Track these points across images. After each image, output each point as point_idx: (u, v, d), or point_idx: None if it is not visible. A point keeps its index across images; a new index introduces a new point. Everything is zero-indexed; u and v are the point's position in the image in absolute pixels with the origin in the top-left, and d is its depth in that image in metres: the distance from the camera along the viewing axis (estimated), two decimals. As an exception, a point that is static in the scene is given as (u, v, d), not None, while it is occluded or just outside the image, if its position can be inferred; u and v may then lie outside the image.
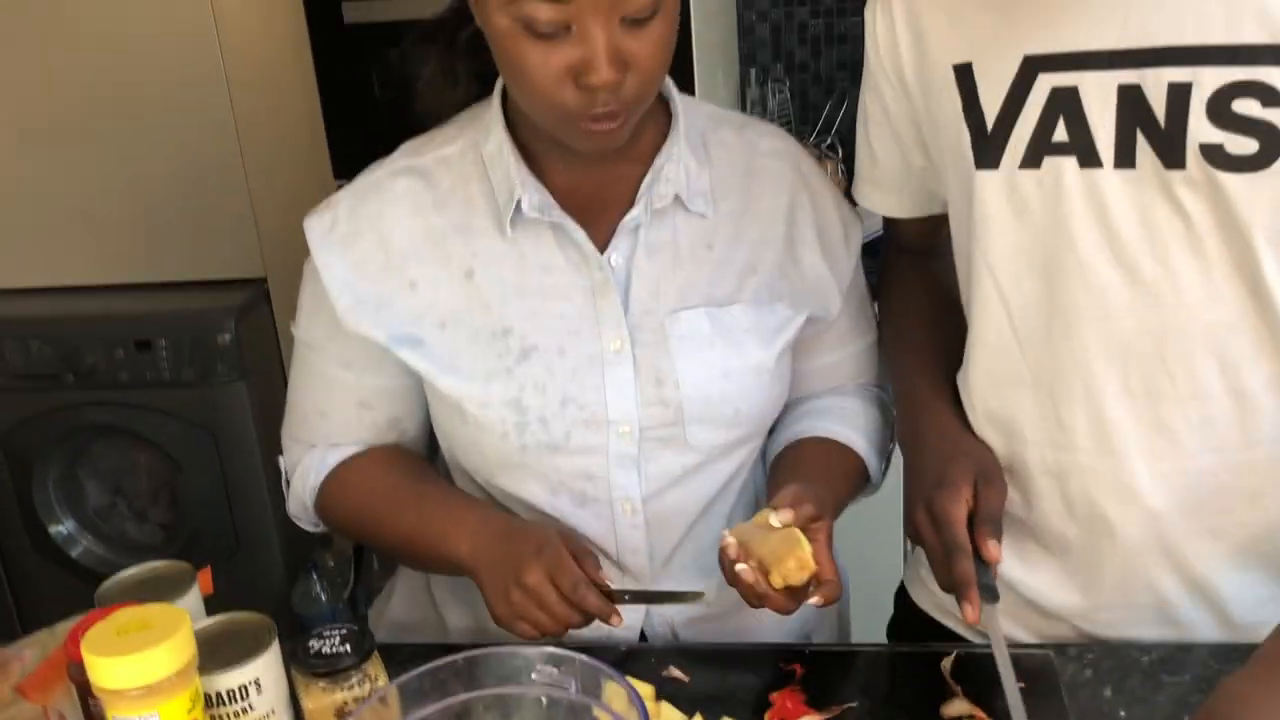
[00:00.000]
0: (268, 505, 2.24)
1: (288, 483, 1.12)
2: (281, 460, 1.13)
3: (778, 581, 0.89)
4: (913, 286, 1.13)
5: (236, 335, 2.16)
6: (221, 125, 2.21)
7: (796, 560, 0.88)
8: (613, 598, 0.94)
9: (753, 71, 2.26)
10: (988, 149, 0.92)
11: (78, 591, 2.33)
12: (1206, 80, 0.82)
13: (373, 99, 1.89)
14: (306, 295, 1.06)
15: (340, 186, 1.93)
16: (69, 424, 2.25)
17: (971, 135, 0.93)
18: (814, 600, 0.91)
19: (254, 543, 2.26)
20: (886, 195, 1.10)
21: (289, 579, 2.26)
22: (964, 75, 0.93)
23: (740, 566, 0.90)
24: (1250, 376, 0.89)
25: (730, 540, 0.92)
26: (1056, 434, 0.95)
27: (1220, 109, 0.82)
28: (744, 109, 2.25)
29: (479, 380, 0.99)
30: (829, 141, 2.20)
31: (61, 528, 2.34)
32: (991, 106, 0.91)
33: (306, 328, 1.06)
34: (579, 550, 0.95)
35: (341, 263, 1.01)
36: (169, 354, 2.16)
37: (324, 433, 1.09)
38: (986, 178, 0.93)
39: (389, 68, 1.87)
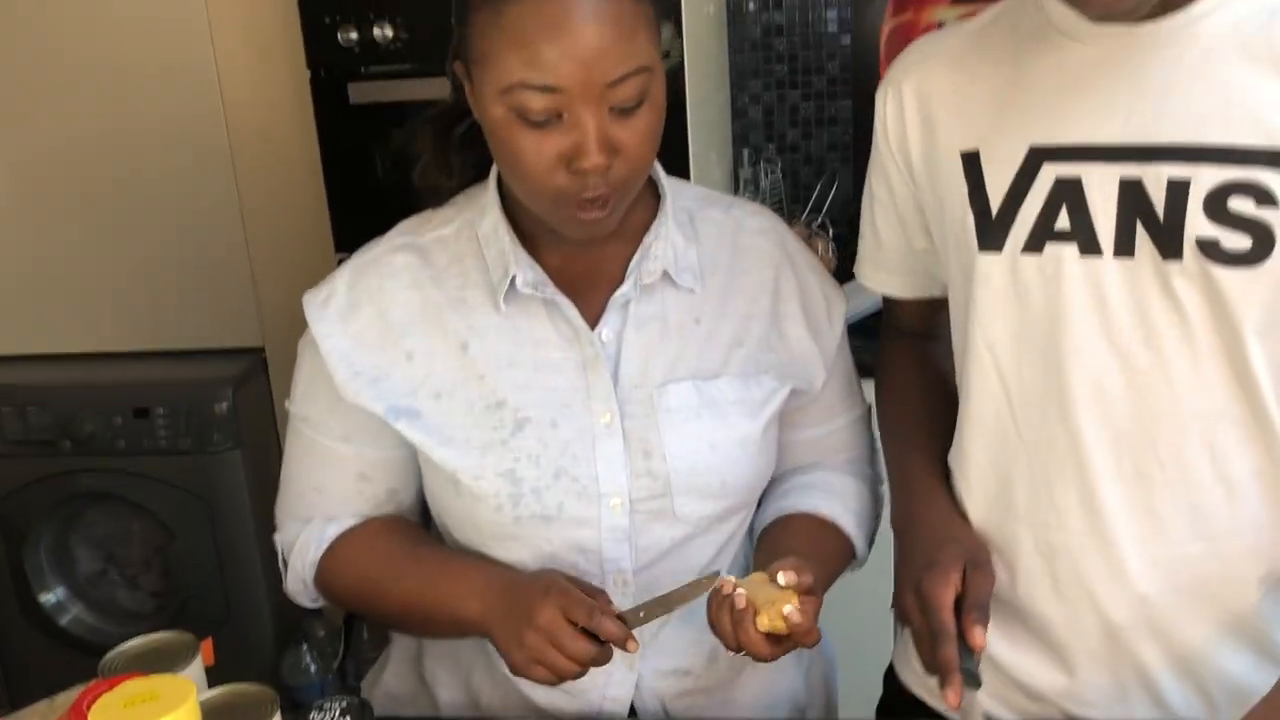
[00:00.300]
0: (260, 574, 2.24)
1: (284, 561, 1.13)
2: (277, 538, 1.14)
3: (764, 624, 0.91)
4: (909, 370, 1.15)
5: (233, 404, 2.18)
6: (225, 197, 2.25)
7: (789, 605, 0.91)
8: (626, 620, 0.95)
9: (745, 152, 2.31)
10: (991, 233, 0.95)
11: (66, 660, 2.34)
12: (1204, 178, 0.85)
13: (374, 176, 1.93)
14: (303, 371, 1.08)
15: (341, 261, 1.99)
16: (64, 490, 2.25)
17: (976, 219, 0.96)
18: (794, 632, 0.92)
19: (245, 612, 2.25)
20: (889, 275, 1.13)
21: (278, 649, 2.25)
22: (971, 162, 0.96)
23: (740, 591, 0.92)
24: (1237, 466, 0.91)
25: (729, 578, 0.94)
26: (1049, 514, 0.96)
27: (1217, 206, 0.85)
28: (737, 188, 2.30)
29: (474, 452, 1.01)
30: (819, 221, 2.25)
31: (51, 595, 2.33)
32: (997, 192, 0.94)
33: (303, 403, 1.08)
34: (588, 588, 0.97)
35: (340, 335, 1.03)
36: (166, 422, 2.18)
37: (322, 507, 1.10)
38: (989, 260, 0.95)
39: (391, 145, 1.92)
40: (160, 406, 2.18)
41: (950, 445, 1.07)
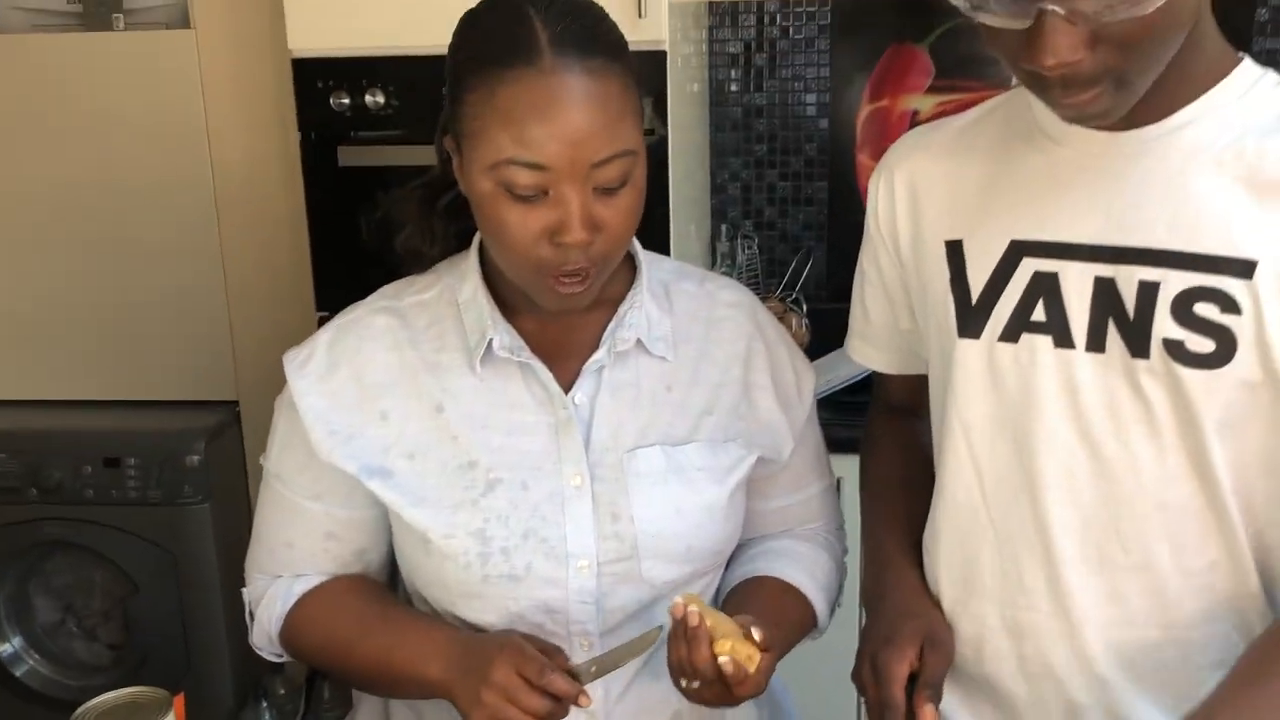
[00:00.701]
0: (222, 629, 2.22)
1: (251, 614, 1.14)
2: (245, 592, 1.15)
3: (722, 648, 0.93)
4: (892, 445, 1.18)
5: (205, 457, 2.17)
6: (208, 250, 2.27)
7: (748, 645, 0.93)
8: (579, 676, 0.97)
9: (724, 227, 2.36)
10: (970, 320, 0.99)
11: (22, 713, 2.29)
12: (1173, 282, 0.89)
13: (359, 238, 1.96)
14: (279, 428, 1.09)
15: (321, 320, 2.01)
16: (28, 539, 2.23)
17: (956, 306, 0.99)
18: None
19: (205, 667, 2.23)
20: (876, 351, 1.17)
21: (238, 706, 2.23)
22: (954, 250, 1.00)
23: (691, 609, 0.94)
24: (1197, 557, 0.93)
25: (692, 604, 0.95)
26: (1016, 594, 0.99)
27: (1183, 309, 0.89)
28: (714, 261, 2.35)
29: (445, 510, 1.02)
30: (793, 297, 2.30)
31: (8, 645, 2.30)
32: (978, 281, 0.98)
33: (277, 460, 1.10)
34: (545, 646, 0.99)
35: (318, 394, 1.05)
36: (136, 472, 2.17)
37: (290, 564, 1.11)
38: (967, 346, 0.99)
39: (377, 209, 1.96)
40: (131, 456, 2.17)
41: (924, 523, 1.09)
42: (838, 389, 1.87)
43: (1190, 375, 0.89)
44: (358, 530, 1.09)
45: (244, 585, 1.15)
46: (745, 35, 2.29)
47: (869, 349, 1.17)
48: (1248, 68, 0.91)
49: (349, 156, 1.92)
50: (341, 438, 1.04)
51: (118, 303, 2.30)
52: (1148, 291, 0.90)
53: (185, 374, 2.33)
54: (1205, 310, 0.88)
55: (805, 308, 2.26)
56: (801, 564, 1.14)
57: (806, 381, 1.15)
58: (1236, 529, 0.92)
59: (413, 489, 1.03)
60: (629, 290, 1.08)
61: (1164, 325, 0.89)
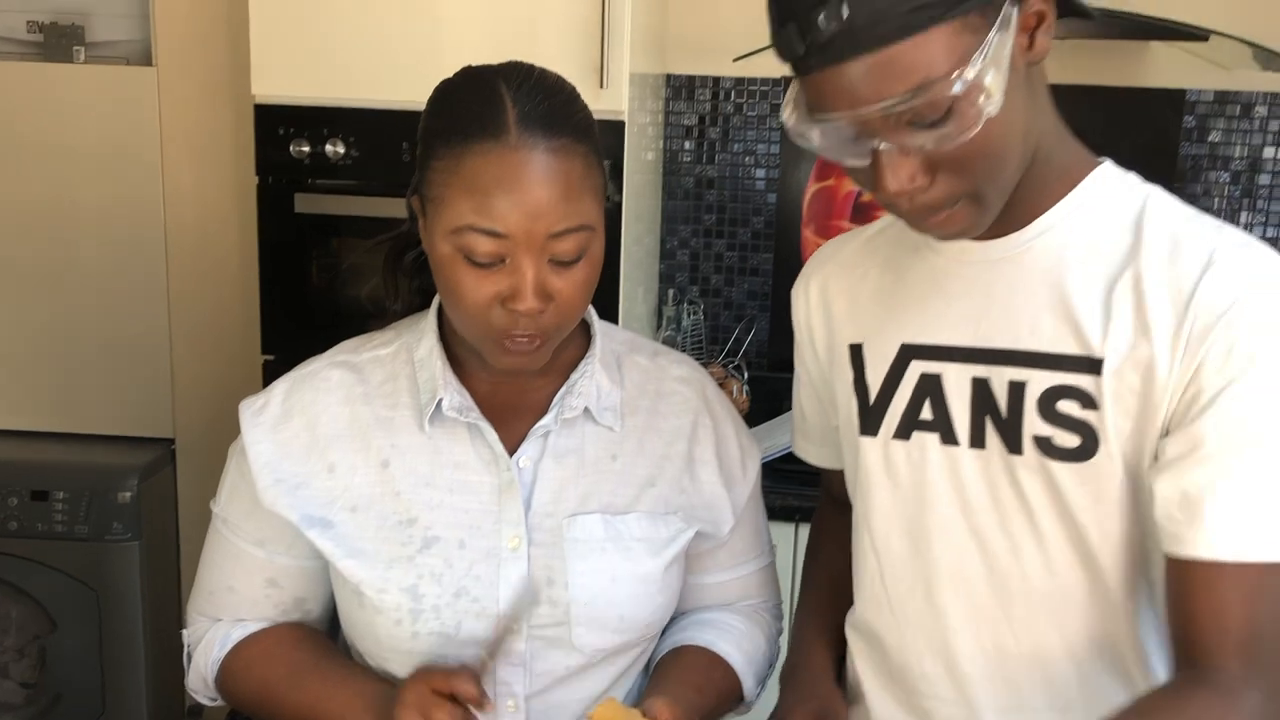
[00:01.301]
0: (142, 672, 2.18)
1: (189, 656, 1.14)
2: (185, 634, 1.16)
3: None
4: (829, 535, 1.22)
5: (138, 494, 2.15)
6: (154, 286, 2.26)
7: None
8: (479, 676, 0.98)
9: (671, 291, 2.41)
10: (869, 419, 1.04)
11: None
12: (1038, 381, 0.94)
13: (309, 283, 1.97)
14: (230, 474, 1.11)
15: (267, 363, 2.01)
16: (-55, 569, 2.18)
17: (858, 405, 1.05)
18: None
19: (121, 709, 2.18)
20: (813, 447, 1.21)
21: (153, 752, 2.18)
22: (856, 353, 1.06)
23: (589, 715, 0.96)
24: (1084, 641, 0.98)
25: (608, 700, 0.98)
26: (920, 681, 1.03)
27: (1048, 407, 0.94)
28: (660, 324, 2.39)
29: (380, 565, 1.03)
30: (735, 363, 2.35)
31: (-84, 679, 2.23)
32: (875, 382, 1.04)
33: (225, 504, 1.11)
34: (456, 668, 1.00)
35: (269, 443, 1.06)
36: (65, 506, 2.14)
37: (231, 608, 1.12)
38: (867, 443, 1.04)
39: (329, 256, 1.98)
40: (60, 490, 2.14)
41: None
42: (775, 456, 1.92)
43: (1060, 469, 0.94)
44: (298, 579, 1.11)
45: (176, 627, 1.17)
46: (700, 109, 2.37)
47: (808, 445, 1.22)
48: (1105, 171, 0.97)
49: (305, 203, 1.94)
50: (287, 487, 1.05)
51: (58, 334, 2.28)
52: (1017, 391, 0.95)
53: (122, 408, 2.31)
54: (1067, 407, 0.93)
55: (746, 375, 2.31)
56: (731, 636, 1.16)
57: (751, 460, 1.17)
58: (1119, 612, 0.96)
59: (350, 541, 1.04)
60: (582, 358, 1.10)
61: (1033, 423, 0.94)
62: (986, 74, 0.82)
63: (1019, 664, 0.99)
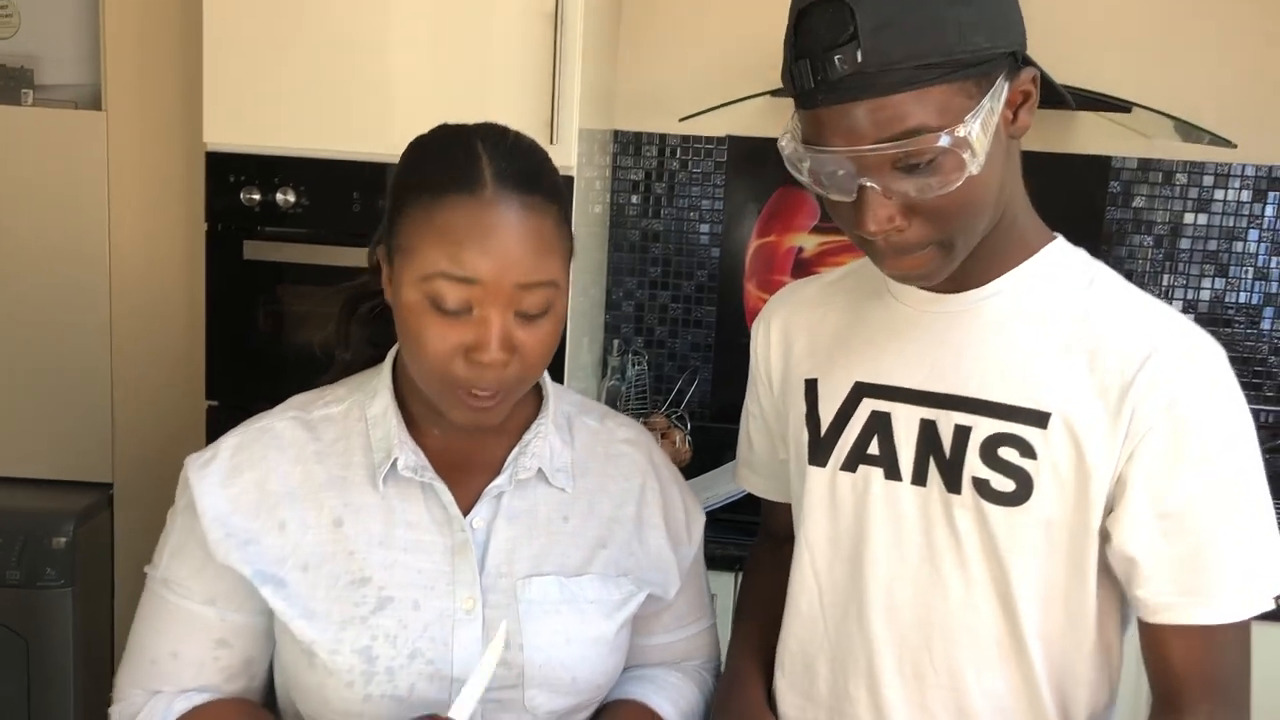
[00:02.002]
0: (71, 721, 2.14)
1: None
2: (114, 710, 1.10)
3: None
4: (767, 572, 1.25)
5: (73, 540, 2.12)
6: (97, 329, 2.24)
7: None
8: None
9: (616, 342, 2.45)
10: (819, 450, 1.10)
11: None
12: (982, 427, 1.00)
13: (256, 330, 1.98)
14: (174, 534, 1.08)
15: (211, 409, 2.01)
16: None
17: (809, 436, 1.10)
18: None
19: (49, 762, 2.14)
20: (760, 479, 1.26)
21: (80, 805, 2.13)
22: (810, 388, 1.12)
23: None
24: (997, 680, 1.03)
25: None
26: (844, 704, 1.08)
27: (989, 452, 1.00)
28: (605, 374, 2.42)
29: (333, 626, 1.02)
30: (678, 414, 2.38)
31: None
32: (827, 416, 1.09)
33: (168, 566, 1.07)
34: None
35: (219, 496, 1.04)
36: (-4, 551, 2.10)
37: (174, 676, 1.07)
38: (815, 473, 1.10)
39: (276, 304, 1.98)
40: (-7, 534, 2.10)
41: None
42: (717, 506, 1.95)
43: (994, 511, 1.00)
44: (249, 638, 1.08)
45: (109, 677, 1.11)
46: (647, 164, 2.42)
47: (754, 477, 1.27)
48: (1059, 245, 1.06)
49: (254, 251, 1.94)
50: (238, 541, 1.03)
51: (-4, 375, 2.25)
52: (961, 434, 1.01)
53: (60, 452, 2.28)
54: (1007, 454, 0.99)
55: (689, 425, 2.35)
56: (667, 692, 1.17)
57: (696, 522, 1.19)
58: (1033, 658, 1.02)
59: (303, 601, 1.03)
60: (534, 418, 1.11)
61: (974, 465, 1.00)
62: (974, 135, 0.90)
63: (936, 694, 1.04)
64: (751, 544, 1.33)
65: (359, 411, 1.09)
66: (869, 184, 0.93)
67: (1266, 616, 0.98)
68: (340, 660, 1.01)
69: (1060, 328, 1.01)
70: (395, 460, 1.05)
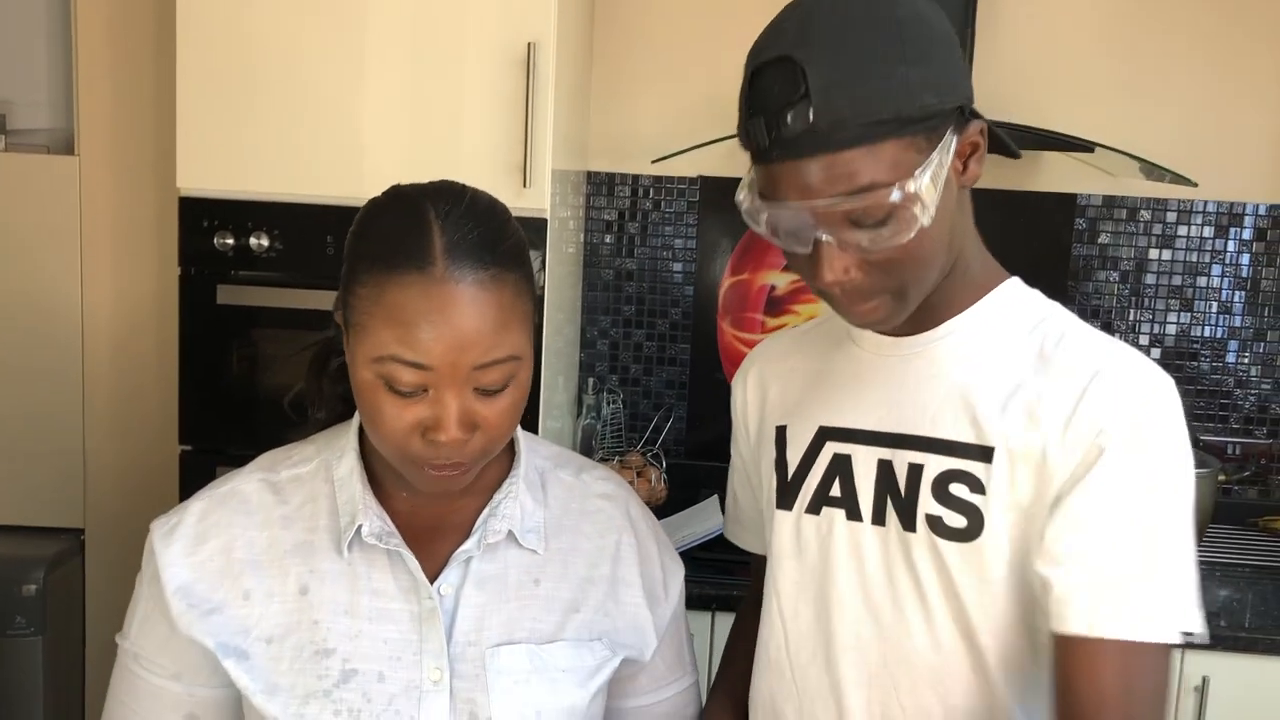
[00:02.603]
0: (41, 774, 2.10)
1: None
2: None
3: None
4: (746, 635, 1.24)
5: (43, 587, 2.09)
6: (68, 374, 2.23)
7: None
8: None
9: (591, 380, 2.46)
10: (786, 494, 1.11)
11: None
12: (933, 465, 1.02)
13: (230, 374, 1.97)
14: (140, 605, 1.05)
15: (184, 454, 2.00)
16: None
17: (777, 481, 1.12)
18: None
19: (17, 815, 2.10)
20: (745, 533, 1.27)
21: None
22: (780, 434, 1.13)
23: None
24: (964, 712, 1.04)
25: None
26: None
27: (941, 489, 1.02)
28: (580, 412, 2.43)
29: (295, 700, 0.99)
30: (653, 451, 2.39)
31: None
32: (793, 460, 1.11)
33: (136, 639, 1.05)
34: None
35: (182, 566, 1.02)
36: (-36, 599, 2.08)
37: None
38: (782, 516, 1.11)
39: (250, 348, 1.98)
40: (-41, 582, 2.08)
41: None
42: (694, 544, 1.95)
43: (948, 547, 1.01)
44: (218, 711, 1.05)
45: None
46: (620, 205, 2.44)
47: (741, 531, 1.28)
48: (1012, 285, 1.08)
49: (228, 295, 1.94)
50: (200, 612, 1.01)
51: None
52: (914, 473, 1.03)
53: (31, 497, 2.26)
54: (958, 490, 1.01)
55: (664, 463, 2.35)
56: None
57: (674, 579, 1.15)
58: (997, 686, 1.03)
59: (266, 675, 1.00)
60: (505, 477, 1.07)
61: (927, 502, 1.02)
62: (924, 188, 0.93)
63: None
64: (733, 592, 1.34)
65: (325, 472, 1.06)
66: (824, 237, 0.96)
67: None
68: None
69: (1008, 364, 1.03)
70: (360, 526, 1.02)
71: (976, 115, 0.99)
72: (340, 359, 1.06)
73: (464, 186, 1.00)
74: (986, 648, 1.02)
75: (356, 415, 1.06)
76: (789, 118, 0.92)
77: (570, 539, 1.09)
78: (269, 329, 1.96)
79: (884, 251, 0.95)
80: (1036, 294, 1.09)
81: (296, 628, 1.01)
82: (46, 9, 2.23)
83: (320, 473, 1.06)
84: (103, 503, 2.28)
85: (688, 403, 2.47)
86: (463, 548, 1.04)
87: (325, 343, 1.10)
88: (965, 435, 1.02)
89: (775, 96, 0.92)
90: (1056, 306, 1.08)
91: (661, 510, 2.15)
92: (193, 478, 1.95)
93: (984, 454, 1.00)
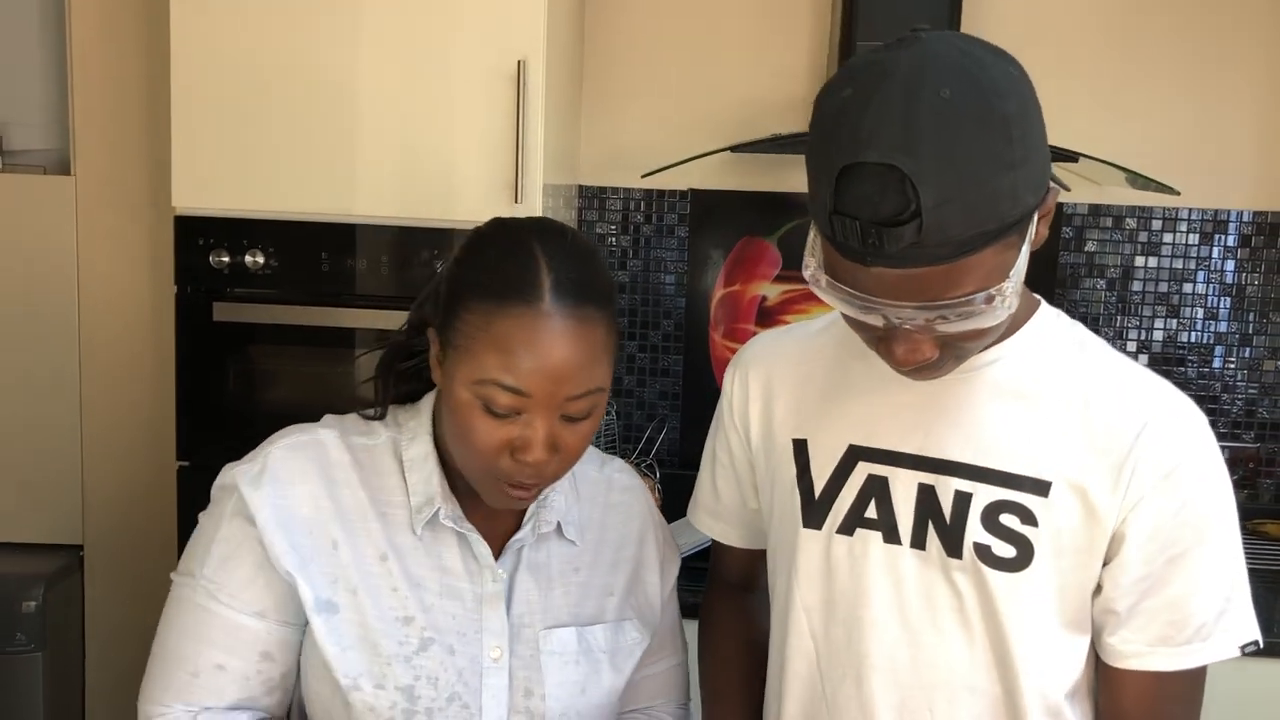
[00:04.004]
0: (41, 791, 2.11)
1: None
2: None
3: None
4: (731, 628, 1.27)
5: (43, 603, 2.10)
6: (66, 391, 2.24)
7: None
8: None
9: (584, 393, 2.48)
10: (814, 513, 1.10)
11: None
12: (982, 494, 1.02)
13: (227, 390, 1.99)
14: (220, 542, 1.06)
15: (182, 469, 2.01)
16: None
17: (802, 499, 1.10)
18: None
19: (18, 831, 2.11)
20: (727, 527, 1.25)
21: None
22: (800, 449, 1.11)
23: None
24: None
25: None
26: None
27: (990, 518, 1.02)
28: (574, 425, 2.45)
29: (380, 660, 1.04)
30: (648, 462, 2.41)
31: None
32: (820, 479, 1.09)
33: (215, 575, 1.06)
34: None
35: (274, 506, 1.04)
36: (-37, 617, 2.09)
37: (218, 689, 1.06)
38: (809, 535, 1.10)
39: (247, 364, 2.00)
40: (-41, 600, 2.09)
41: (759, 700, 1.19)
42: (690, 553, 1.97)
43: (995, 576, 1.02)
44: (290, 651, 1.08)
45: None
46: (612, 218, 2.46)
47: (719, 524, 1.26)
48: (1045, 311, 1.07)
49: (224, 312, 1.96)
50: (298, 557, 1.04)
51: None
52: (962, 500, 1.02)
53: (29, 514, 2.26)
54: (1009, 520, 1.01)
55: (659, 473, 2.37)
56: None
57: (672, 563, 1.24)
58: (1029, 713, 1.04)
59: (352, 630, 1.04)
60: None
61: (974, 530, 1.02)
62: (1015, 283, 0.90)
63: None
64: (705, 594, 1.32)
65: (394, 450, 1.10)
66: (905, 324, 0.91)
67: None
68: (384, 696, 1.04)
69: (1054, 395, 1.03)
70: (439, 510, 1.08)
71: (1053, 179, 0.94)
72: (407, 363, 1.12)
73: (564, 225, 1.07)
74: (1023, 674, 1.03)
75: (428, 402, 1.11)
76: (896, 235, 0.85)
77: (599, 530, 1.18)
78: (265, 345, 1.98)
79: (964, 334, 0.93)
80: (1064, 316, 1.08)
81: (378, 590, 1.06)
82: (41, 30, 2.25)
83: (389, 449, 1.11)
84: (101, 519, 2.29)
85: (681, 413, 2.49)
86: (517, 536, 1.11)
87: (395, 346, 1.14)
88: (1019, 467, 1.01)
89: (879, 208, 0.85)
90: (1085, 330, 1.08)
91: (656, 520, 2.16)
92: (190, 494, 1.96)
93: (1038, 487, 1.00)
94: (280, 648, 1.07)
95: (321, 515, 1.06)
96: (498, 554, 1.11)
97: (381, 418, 1.13)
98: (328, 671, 1.05)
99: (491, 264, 1.02)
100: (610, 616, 1.15)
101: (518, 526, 1.12)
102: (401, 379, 1.15)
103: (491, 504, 1.07)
